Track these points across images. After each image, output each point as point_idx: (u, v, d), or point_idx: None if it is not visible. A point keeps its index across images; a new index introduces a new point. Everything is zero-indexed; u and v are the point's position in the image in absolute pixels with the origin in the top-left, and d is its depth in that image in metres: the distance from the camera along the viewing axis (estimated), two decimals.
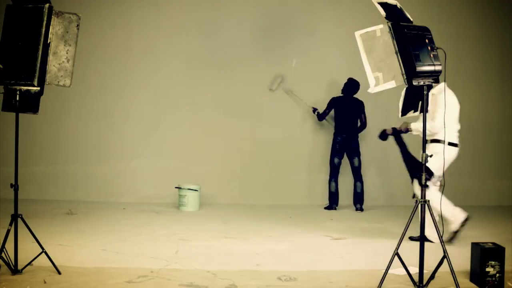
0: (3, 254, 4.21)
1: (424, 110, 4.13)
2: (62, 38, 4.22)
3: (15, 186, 4.29)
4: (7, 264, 4.25)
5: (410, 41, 4.02)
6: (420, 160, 4.12)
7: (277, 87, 8.28)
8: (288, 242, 5.72)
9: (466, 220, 5.61)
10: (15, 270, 4.27)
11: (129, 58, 8.46)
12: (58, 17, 4.21)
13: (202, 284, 4.13)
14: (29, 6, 4.16)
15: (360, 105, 7.89)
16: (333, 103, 7.93)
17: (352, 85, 7.82)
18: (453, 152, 5.58)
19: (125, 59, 8.45)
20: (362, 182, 7.88)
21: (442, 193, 4.36)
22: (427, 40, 4.10)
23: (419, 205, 4.09)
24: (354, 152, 7.87)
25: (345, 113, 7.86)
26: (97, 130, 8.45)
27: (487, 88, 8.67)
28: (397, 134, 5.71)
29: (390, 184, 8.44)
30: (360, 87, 7.73)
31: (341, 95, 7.97)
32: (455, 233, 5.60)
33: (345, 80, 7.98)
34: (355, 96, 7.89)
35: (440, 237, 4.04)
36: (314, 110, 8.03)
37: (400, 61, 4.05)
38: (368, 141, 8.30)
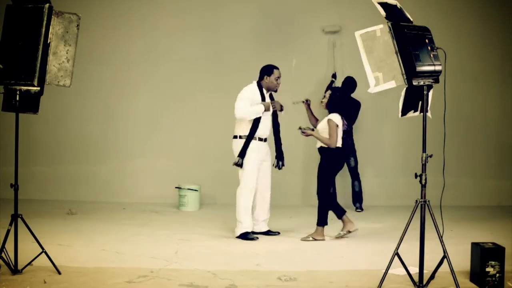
0: (3, 254, 4.21)
1: (424, 110, 4.13)
2: (62, 38, 4.22)
3: (15, 186, 4.30)
4: (7, 264, 4.25)
5: (410, 41, 4.02)
6: (423, 161, 4.11)
7: (329, 32, 8.34)
8: (288, 242, 5.73)
9: (246, 234, 5.82)
10: (15, 270, 4.27)
11: (129, 58, 8.46)
12: (58, 17, 4.21)
13: (202, 284, 4.13)
14: (29, 6, 4.16)
15: (357, 105, 7.84)
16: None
17: (350, 84, 7.76)
18: (264, 147, 5.94)
19: (125, 59, 8.45)
20: (359, 181, 7.86)
21: (442, 193, 4.35)
22: (427, 40, 4.10)
23: (419, 205, 4.09)
24: (350, 151, 7.83)
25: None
26: (97, 130, 8.45)
27: (487, 88, 8.66)
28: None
29: (390, 183, 8.43)
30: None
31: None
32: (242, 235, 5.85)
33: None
34: (353, 96, 7.84)
35: (440, 237, 4.04)
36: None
37: (400, 61, 4.06)
38: (367, 140, 8.30)
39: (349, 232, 5.76)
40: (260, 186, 5.96)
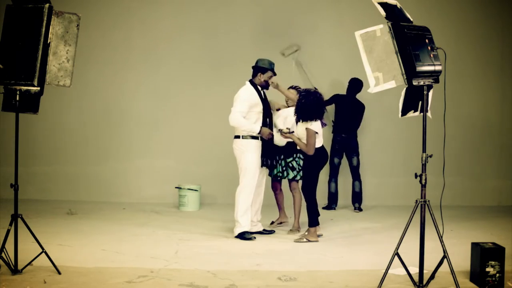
0: (3, 254, 4.22)
1: (424, 110, 4.13)
2: (62, 38, 4.22)
3: (15, 186, 4.30)
4: (7, 264, 4.25)
5: (410, 41, 4.02)
6: (423, 161, 4.11)
7: (290, 54, 8.20)
8: (288, 242, 5.72)
9: (243, 234, 5.80)
10: (15, 270, 4.27)
11: (129, 58, 8.46)
12: (58, 17, 4.21)
13: (202, 284, 4.13)
14: (29, 6, 4.17)
15: (361, 108, 7.85)
16: (335, 99, 7.86)
17: (355, 85, 7.77)
18: (258, 144, 5.85)
19: (125, 58, 8.45)
20: (360, 182, 7.86)
21: (442, 193, 4.35)
22: (427, 40, 4.10)
23: (419, 205, 4.09)
24: (353, 151, 7.85)
25: (346, 113, 7.82)
26: (97, 130, 8.45)
27: (487, 88, 8.66)
28: None
29: (390, 183, 8.43)
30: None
31: (345, 94, 7.93)
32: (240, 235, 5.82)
33: (346, 79, 7.96)
34: (358, 97, 7.85)
35: (440, 236, 4.04)
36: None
37: (400, 61, 4.06)
38: (367, 140, 8.30)
39: (308, 241, 5.68)
40: (257, 186, 5.96)
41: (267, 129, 5.81)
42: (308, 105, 5.58)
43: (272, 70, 5.95)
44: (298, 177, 6.24)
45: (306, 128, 5.56)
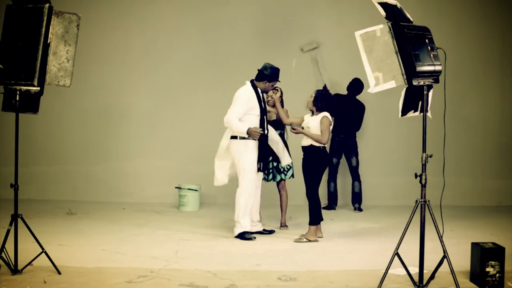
0: (3, 254, 4.22)
1: (424, 110, 4.13)
2: (62, 38, 4.23)
3: (15, 186, 4.30)
4: (7, 264, 4.25)
5: (410, 41, 4.02)
6: (423, 161, 4.11)
7: (308, 51, 8.26)
8: (288, 242, 5.72)
9: (243, 234, 5.80)
10: (15, 270, 4.27)
11: (129, 58, 8.46)
12: (58, 17, 4.21)
13: (202, 284, 4.13)
14: (29, 6, 4.17)
15: (361, 108, 7.85)
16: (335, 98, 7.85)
17: (356, 85, 7.75)
18: (256, 144, 5.81)
19: (125, 58, 8.45)
20: (360, 182, 7.86)
21: (442, 193, 4.35)
22: (427, 40, 4.11)
23: (419, 205, 4.09)
24: (352, 151, 7.85)
25: (345, 113, 7.82)
26: (97, 130, 8.45)
27: (487, 88, 8.66)
28: None
29: (390, 183, 8.43)
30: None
31: (345, 94, 7.93)
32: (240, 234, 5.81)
33: (346, 79, 7.96)
34: (358, 97, 7.84)
35: (440, 236, 4.04)
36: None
37: (400, 61, 4.06)
38: (367, 140, 8.30)
39: (309, 240, 5.67)
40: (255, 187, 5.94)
41: (254, 128, 5.68)
42: (329, 97, 5.77)
43: (278, 79, 5.94)
44: (286, 177, 6.33)
45: (323, 117, 5.61)
